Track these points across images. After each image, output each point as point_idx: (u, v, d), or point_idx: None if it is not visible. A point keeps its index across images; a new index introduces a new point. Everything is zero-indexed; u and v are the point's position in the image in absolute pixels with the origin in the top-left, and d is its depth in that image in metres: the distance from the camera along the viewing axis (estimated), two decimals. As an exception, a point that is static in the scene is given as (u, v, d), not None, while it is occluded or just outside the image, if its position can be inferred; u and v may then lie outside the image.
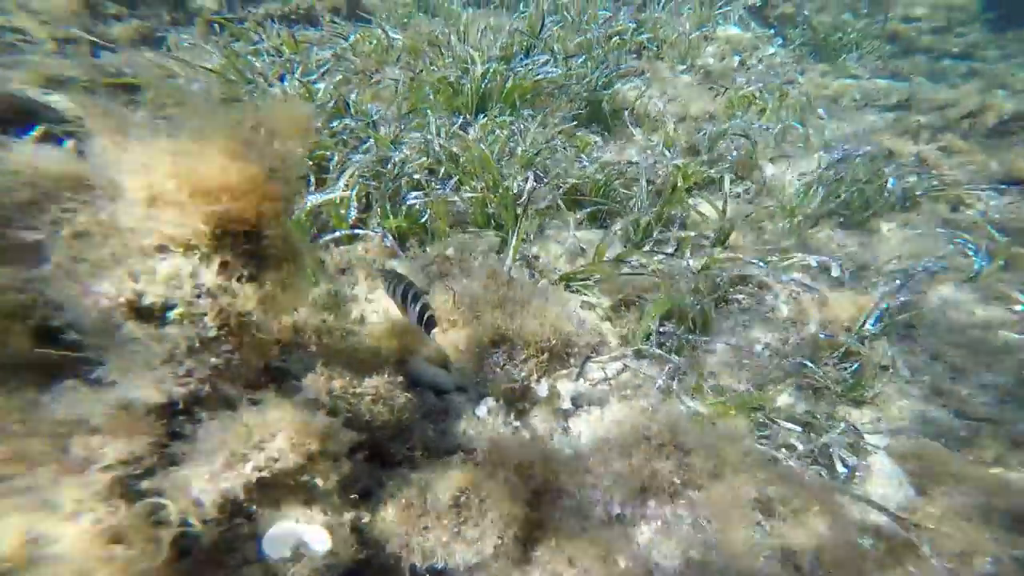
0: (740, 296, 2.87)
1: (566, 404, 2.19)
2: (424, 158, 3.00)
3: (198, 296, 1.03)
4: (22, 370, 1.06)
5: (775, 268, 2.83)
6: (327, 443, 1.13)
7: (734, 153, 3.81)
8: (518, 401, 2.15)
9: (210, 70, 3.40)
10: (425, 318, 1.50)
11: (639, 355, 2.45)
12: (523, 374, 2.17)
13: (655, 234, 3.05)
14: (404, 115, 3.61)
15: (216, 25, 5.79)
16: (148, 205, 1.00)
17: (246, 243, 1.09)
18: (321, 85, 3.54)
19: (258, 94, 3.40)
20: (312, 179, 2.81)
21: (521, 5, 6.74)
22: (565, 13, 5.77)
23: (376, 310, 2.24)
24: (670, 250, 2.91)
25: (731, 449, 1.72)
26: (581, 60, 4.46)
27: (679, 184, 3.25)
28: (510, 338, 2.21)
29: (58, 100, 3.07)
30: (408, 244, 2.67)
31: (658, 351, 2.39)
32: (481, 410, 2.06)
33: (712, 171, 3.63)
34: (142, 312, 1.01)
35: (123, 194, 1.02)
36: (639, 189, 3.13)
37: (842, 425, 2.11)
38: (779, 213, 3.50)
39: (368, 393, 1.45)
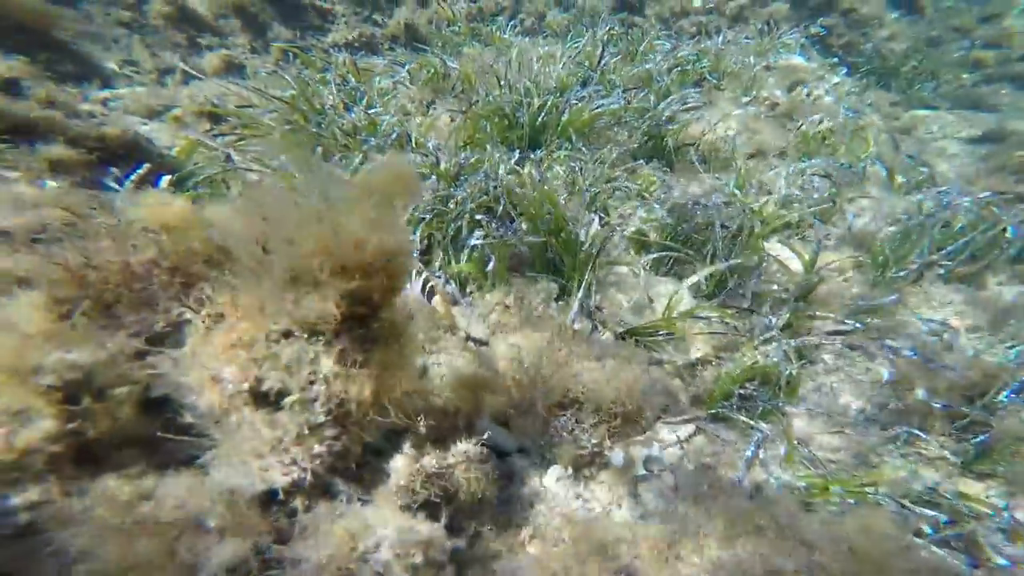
0: (827, 355, 2.56)
1: (639, 470, 1.98)
2: (484, 196, 2.92)
3: (312, 382, 0.95)
4: (126, 446, 1.01)
5: (869, 327, 2.51)
6: (430, 551, 1.00)
7: (815, 195, 3.50)
8: (587, 467, 1.95)
9: (284, 101, 3.53)
10: (427, 289, 1.54)
11: (716, 418, 2.20)
12: (593, 441, 1.97)
13: (729, 284, 2.79)
14: (461, 148, 3.60)
15: (289, 53, 6.19)
16: (288, 285, 0.94)
17: (361, 326, 1.00)
18: (386, 118, 3.59)
19: (326, 123, 3.50)
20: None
21: (575, 36, 6.79)
22: (620, 43, 5.72)
23: (438, 362, 2.12)
24: (746, 304, 2.65)
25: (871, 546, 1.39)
26: (643, 93, 4.32)
27: (756, 229, 2.99)
28: (579, 400, 2.03)
29: (156, 130, 3.31)
30: (468, 290, 2.57)
31: (742, 417, 2.13)
32: (548, 479, 1.88)
33: (790, 214, 3.34)
34: (259, 398, 0.94)
35: (264, 271, 0.95)
36: (713, 234, 2.89)
37: (996, 512, 1.75)
38: (870, 264, 3.14)
39: (459, 462, 1.31)
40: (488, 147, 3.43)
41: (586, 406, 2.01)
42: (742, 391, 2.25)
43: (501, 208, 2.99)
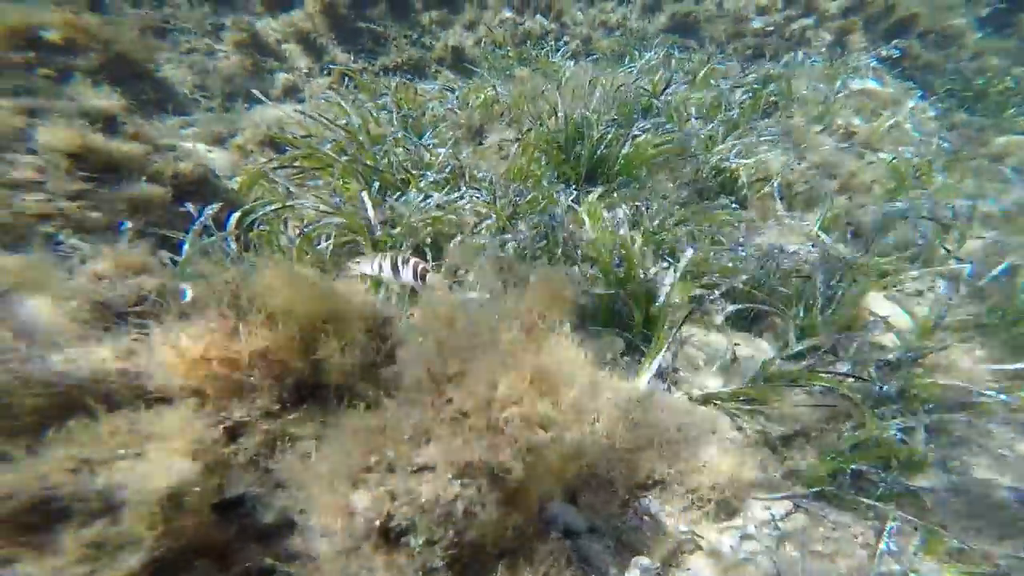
0: (953, 425, 2.16)
1: (731, 556, 1.69)
2: (544, 241, 2.74)
3: (440, 524, 0.79)
4: (199, 555, 0.87)
5: (1010, 394, 2.10)
6: None
7: (920, 241, 3.07)
8: (673, 557, 1.69)
9: (346, 130, 3.53)
10: (419, 272, 1.56)
11: (821, 497, 1.87)
12: (681, 528, 1.70)
13: (823, 344, 2.44)
14: (514, 181, 3.47)
15: (345, 77, 6.39)
16: (455, 423, 0.80)
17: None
18: (441, 150, 3.52)
19: (382, 153, 3.47)
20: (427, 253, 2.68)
21: (627, 59, 6.62)
22: (677, 68, 5.48)
23: None
24: (845, 366, 2.29)
25: None
26: (712, 125, 4.03)
27: (857, 282, 2.62)
28: (663, 481, 1.77)
29: (220, 158, 3.41)
30: None
31: (864, 500, 1.79)
32: (633, 573, 1.62)
33: (887, 262, 2.94)
34: (383, 533, 0.79)
35: (434, 400, 0.83)
36: (812, 288, 2.54)
37: None
38: (995, 321, 2.68)
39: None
40: (544, 183, 3.27)
41: (671, 486, 1.76)
42: (855, 467, 1.92)
43: (560, 250, 2.81)
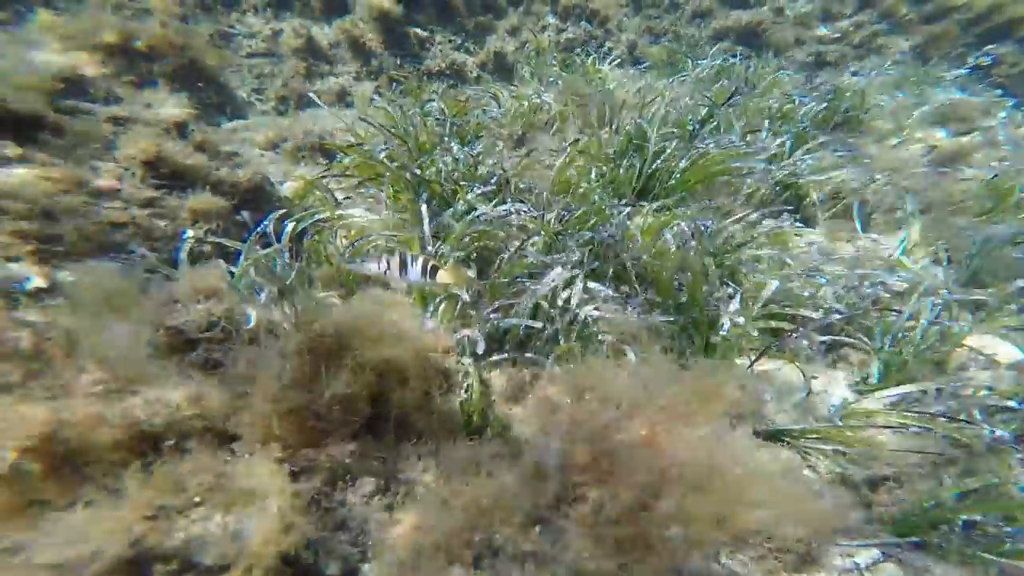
0: None
1: None
2: (596, 262, 2.58)
3: None
4: None
5: None
6: None
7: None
8: None
9: (400, 137, 3.52)
10: (428, 268, 1.54)
11: (921, 547, 1.63)
12: None
13: (915, 383, 2.14)
14: (560, 194, 3.34)
15: (394, 83, 6.50)
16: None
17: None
18: (488, 160, 3.44)
19: (429, 163, 3.44)
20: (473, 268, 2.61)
21: (679, 68, 6.33)
22: (732, 77, 5.15)
23: None
24: (940, 406, 1.99)
25: None
26: (780, 139, 3.73)
27: (953, 314, 2.30)
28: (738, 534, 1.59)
29: (271, 163, 3.52)
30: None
31: (984, 553, 1.54)
32: None
33: (990, 294, 2.56)
34: None
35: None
36: (901, 319, 2.24)
37: None
38: None
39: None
40: (595, 197, 3.12)
41: (744, 535, 1.58)
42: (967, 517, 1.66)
43: (611, 271, 2.65)
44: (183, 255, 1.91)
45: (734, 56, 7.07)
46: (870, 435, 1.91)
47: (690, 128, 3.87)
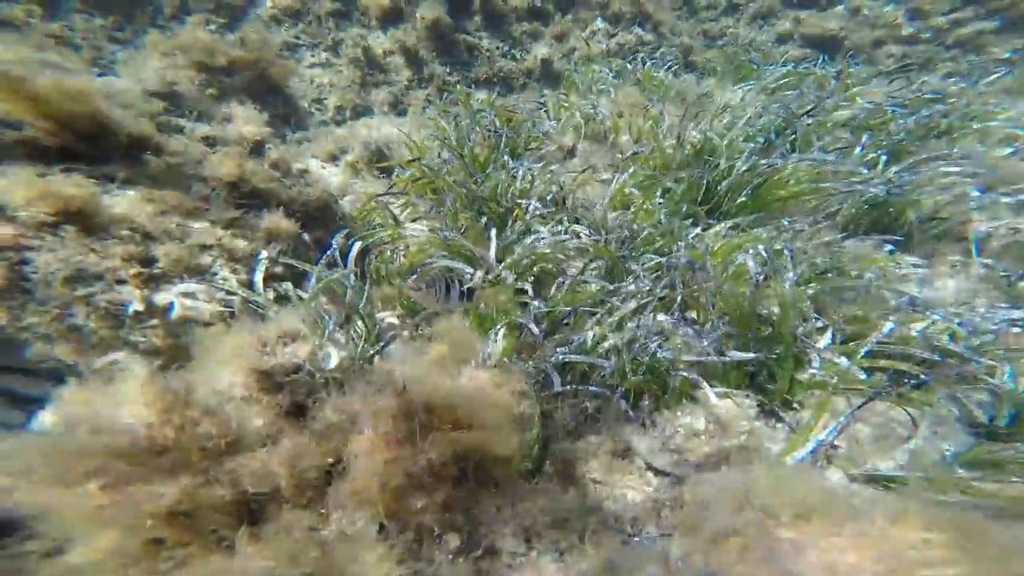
0: None
1: None
2: (665, 289, 2.41)
3: None
4: None
5: None
6: None
7: None
8: None
9: (458, 153, 3.51)
10: (465, 290, 1.59)
11: None
12: None
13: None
14: (616, 210, 3.18)
15: (443, 91, 6.59)
16: None
17: None
18: (546, 178, 3.35)
19: (484, 179, 3.39)
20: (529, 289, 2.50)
21: (742, 73, 5.94)
22: (807, 83, 4.73)
23: (621, 494, 1.69)
24: None
25: None
26: (872, 154, 3.36)
27: None
28: None
29: (332, 176, 3.63)
30: (642, 404, 2.09)
31: None
32: None
33: None
34: None
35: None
36: None
37: None
38: None
39: None
40: (661, 217, 2.93)
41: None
42: None
43: (679, 299, 2.46)
44: (258, 276, 1.96)
45: (805, 61, 6.56)
46: (998, 487, 1.61)
47: (763, 141, 3.58)
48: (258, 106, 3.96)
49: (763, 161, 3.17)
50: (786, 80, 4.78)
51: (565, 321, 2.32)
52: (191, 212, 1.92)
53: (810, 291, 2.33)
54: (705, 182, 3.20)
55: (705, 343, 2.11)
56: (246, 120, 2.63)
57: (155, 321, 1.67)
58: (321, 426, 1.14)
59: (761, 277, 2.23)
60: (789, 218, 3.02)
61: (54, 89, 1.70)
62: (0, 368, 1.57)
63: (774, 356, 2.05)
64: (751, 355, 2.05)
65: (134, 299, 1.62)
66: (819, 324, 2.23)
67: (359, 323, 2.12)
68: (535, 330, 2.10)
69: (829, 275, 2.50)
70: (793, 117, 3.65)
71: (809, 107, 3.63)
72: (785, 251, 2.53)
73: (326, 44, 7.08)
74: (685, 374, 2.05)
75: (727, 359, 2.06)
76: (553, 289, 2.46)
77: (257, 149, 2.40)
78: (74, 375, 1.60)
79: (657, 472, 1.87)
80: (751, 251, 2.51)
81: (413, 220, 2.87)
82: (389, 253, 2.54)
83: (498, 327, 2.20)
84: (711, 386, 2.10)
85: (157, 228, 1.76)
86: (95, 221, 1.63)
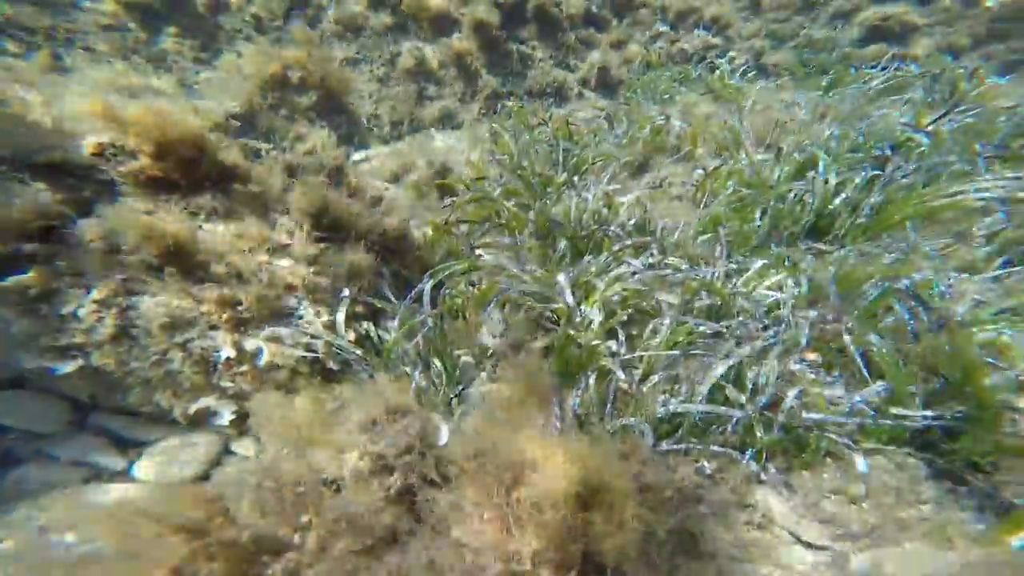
0: None
1: None
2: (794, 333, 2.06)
3: None
4: None
5: None
6: None
7: None
8: None
9: (522, 176, 3.35)
10: None
11: None
12: None
13: None
14: (705, 233, 2.84)
15: (499, 103, 6.49)
16: None
17: None
18: (626, 199, 3.09)
19: (552, 200, 3.20)
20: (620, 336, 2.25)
21: (824, 80, 5.34)
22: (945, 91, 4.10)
23: None
24: None
25: None
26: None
27: None
28: None
29: (397, 198, 3.58)
30: (783, 465, 1.78)
31: None
32: None
33: None
34: None
35: None
36: None
37: None
38: None
39: None
40: (774, 246, 2.57)
41: None
42: None
43: (803, 341, 2.10)
44: (341, 317, 1.87)
45: (900, 62, 5.81)
46: None
47: (878, 152, 3.09)
48: (324, 123, 4.02)
49: (884, 172, 2.72)
50: (891, 83, 4.20)
51: (665, 367, 2.05)
52: (276, 248, 1.87)
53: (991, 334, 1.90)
54: (810, 200, 2.80)
55: (857, 399, 1.77)
56: (322, 144, 2.61)
57: (245, 367, 1.61)
58: (436, 518, 0.98)
59: (939, 324, 1.84)
60: (927, 241, 2.54)
61: (164, 118, 1.70)
62: (106, 408, 1.57)
63: (958, 415, 1.67)
64: (927, 415, 1.67)
65: (226, 345, 1.57)
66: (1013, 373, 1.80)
67: (436, 362, 1.99)
68: (622, 377, 1.86)
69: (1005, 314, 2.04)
70: (916, 128, 3.15)
71: (938, 116, 3.11)
72: (939, 285, 2.09)
73: (384, 58, 7.22)
74: (834, 436, 1.73)
75: (899, 422, 1.70)
76: (648, 332, 2.20)
77: (336, 175, 2.35)
78: (169, 421, 1.57)
79: (809, 546, 1.57)
80: (885, 283, 2.10)
81: (482, 248, 2.72)
82: (463, 286, 2.40)
83: (589, 372, 1.98)
84: (856, 442, 1.75)
85: (247, 268, 1.72)
86: (193, 261, 1.61)
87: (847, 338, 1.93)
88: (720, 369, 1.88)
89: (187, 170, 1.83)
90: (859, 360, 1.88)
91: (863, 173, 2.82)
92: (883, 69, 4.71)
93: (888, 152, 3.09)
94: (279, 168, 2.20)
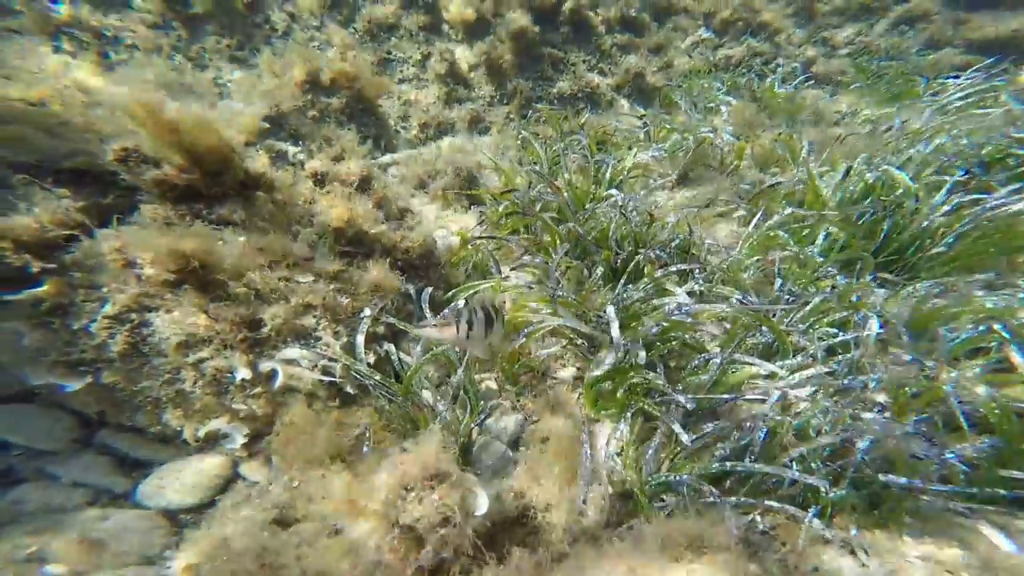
0: None
1: None
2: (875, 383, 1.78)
3: None
4: None
5: None
6: None
7: None
8: None
9: (555, 187, 3.16)
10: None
11: None
12: None
13: None
14: (755, 258, 2.57)
15: (528, 109, 6.33)
16: None
17: None
18: (672, 219, 2.84)
19: (586, 219, 2.98)
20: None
21: (885, 85, 4.90)
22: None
23: None
24: None
25: None
26: None
27: None
28: None
29: (423, 207, 3.47)
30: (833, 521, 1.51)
31: None
32: None
33: None
34: None
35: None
36: None
37: None
38: None
39: None
40: (840, 279, 2.28)
41: None
42: None
43: (871, 384, 1.82)
44: (360, 339, 1.74)
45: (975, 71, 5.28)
46: None
47: (963, 172, 2.72)
48: (352, 126, 3.95)
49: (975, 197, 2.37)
50: (972, 95, 3.77)
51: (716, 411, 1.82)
52: (297, 264, 1.76)
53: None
54: (883, 228, 2.47)
55: (949, 455, 1.49)
56: (350, 151, 2.51)
57: (259, 389, 1.50)
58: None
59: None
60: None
61: (194, 124, 1.62)
62: (114, 426, 1.49)
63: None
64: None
65: (241, 366, 1.46)
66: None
67: (460, 392, 1.83)
68: (678, 431, 1.64)
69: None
70: (1013, 144, 2.76)
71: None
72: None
73: (415, 59, 7.18)
74: (929, 499, 1.45)
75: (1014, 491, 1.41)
76: (691, 368, 1.96)
77: (363, 185, 2.23)
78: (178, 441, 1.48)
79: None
80: (976, 326, 1.79)
81: (512, 268, 2.55)
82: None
83: (628, 414, 1.77)
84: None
85: (266, 286, 1.61)
86: (211, 277, 1.51)
87: (947, 388, 1.64)
88: (770, 414, 1.63)
89: (212, 179, 1.75)
90: (957, 408, 1.58)
91: (958, 196, 2.46)
92: (958, 79, 4.25)
93: (978, 171, 2.72)
94: (304, 176, 2.09)
